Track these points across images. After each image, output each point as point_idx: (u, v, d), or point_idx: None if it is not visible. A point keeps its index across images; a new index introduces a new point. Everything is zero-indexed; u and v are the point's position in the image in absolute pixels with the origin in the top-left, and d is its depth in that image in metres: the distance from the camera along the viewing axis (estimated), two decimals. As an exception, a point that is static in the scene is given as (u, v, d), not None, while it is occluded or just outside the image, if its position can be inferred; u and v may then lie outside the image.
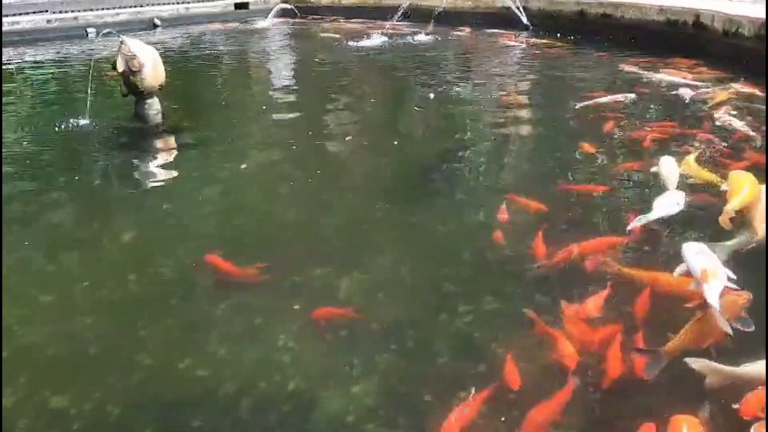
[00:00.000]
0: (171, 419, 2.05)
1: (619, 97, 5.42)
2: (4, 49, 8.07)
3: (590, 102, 5.30)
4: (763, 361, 2.03)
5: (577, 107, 5.22)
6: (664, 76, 6.21)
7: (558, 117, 5.32)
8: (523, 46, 8.69)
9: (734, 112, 4.86)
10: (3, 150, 4.43)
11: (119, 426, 1.98)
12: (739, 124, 4.57)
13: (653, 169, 3.61)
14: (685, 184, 3.46)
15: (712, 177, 3.55)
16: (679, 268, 2.55)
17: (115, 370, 2.24)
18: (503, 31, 9.33)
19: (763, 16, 6.48)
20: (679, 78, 6.02)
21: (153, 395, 2.14)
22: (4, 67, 7.53)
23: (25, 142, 4.82)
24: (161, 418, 2.04)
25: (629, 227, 3.04)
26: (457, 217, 3.48)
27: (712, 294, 2.21)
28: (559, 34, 8.69)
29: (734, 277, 2.31)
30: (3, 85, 6.47)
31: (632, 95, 5.45)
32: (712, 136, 4.38)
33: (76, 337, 2.42)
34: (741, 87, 5.59)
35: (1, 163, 4.13)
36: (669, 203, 3.16)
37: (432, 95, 6.05)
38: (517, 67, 7.74)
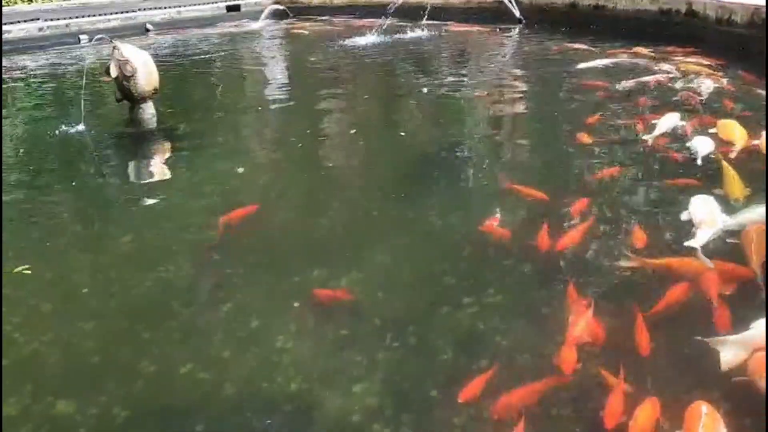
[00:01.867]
0: (175, 422, 2.05)
1: (661, 77, 5.60)
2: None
3: (632, 81, 5.51)
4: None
5: (618, 86, 5.41)
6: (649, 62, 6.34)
7: (554, 107, 5.33)
8: (517, 39, 8.69)
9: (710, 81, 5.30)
10: (-1, 159, 4.42)
11: (125, 430, 1.98)
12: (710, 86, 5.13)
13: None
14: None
15: None
16: (684, 216, 2.96)
17: (118, 375, 2.24)
18: (496, 25, 9.32)
19: (755, 2, 6.49)
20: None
21: (157, 399, 2.14)
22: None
23: (20, 150, 4.81)
24: (165, 422, 2.04)
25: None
26: (457, 210, 3.48)
27: (699, 238, 2.68)
28: (551, 27, 8.70)
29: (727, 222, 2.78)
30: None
31: (675, 73, 5.68)
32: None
33: (77, 343, 2.42)
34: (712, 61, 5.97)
35: (1, 166, 4.12)
36: (705, 142, 3.70)
37: (426, 89, 6.07)
38: (510, 60, 7.75)
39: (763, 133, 3.77)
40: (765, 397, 1.88)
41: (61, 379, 2.24)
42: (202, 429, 1.98)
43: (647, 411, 1.87)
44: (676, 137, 4.05)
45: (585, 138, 4.23)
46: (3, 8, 9.83)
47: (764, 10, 6.23)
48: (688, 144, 3.81)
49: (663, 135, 4.03)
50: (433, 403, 2.05)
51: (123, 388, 2.16)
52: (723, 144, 3.73)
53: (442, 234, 3.22)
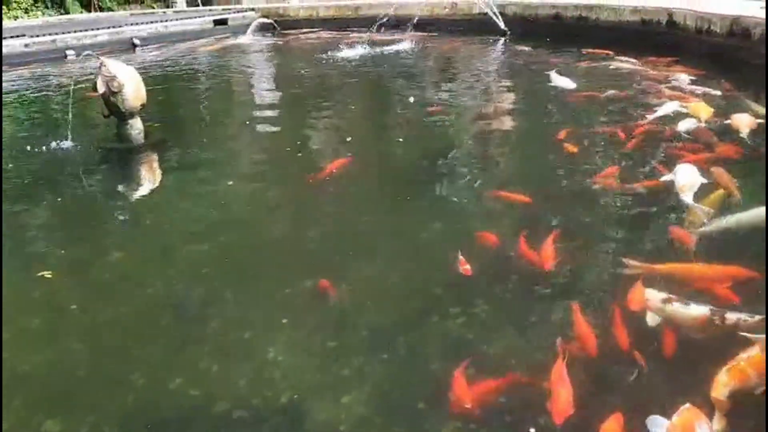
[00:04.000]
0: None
1: (641, 83, 6.02)
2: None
3: (614, 89, 5.78)
4: None
5: (602, 94, 5.67)
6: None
7: (539, 117, 5.40)
8: (502, 50, 8.79)
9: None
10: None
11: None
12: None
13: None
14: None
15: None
16: (665, 177, 3.58)
17: (108, 392, 2.24)
18: (481, 37, 9.43)
19: (733, 12, 6.62)
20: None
21: (147, 415, 2.14)
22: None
23: (8, 166, 4.80)
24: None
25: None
26: (444, 221, 3.52)
27: (686, 197, 3.30)
28: (535, 38, 8.82)
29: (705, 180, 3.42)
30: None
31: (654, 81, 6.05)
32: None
33: (67, 361, 2.42)
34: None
35: (1, 176, 4.09)
36: (690, 121, 4.58)
37: (412, 99, 6.15)
38: (496, 71, 7.83)
39: (734, 115, 4.60)
40: (765, 396, 1.93)
41: (51, 396, 2.24)
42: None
43: (612, 427, 1.89)
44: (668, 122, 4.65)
45: (570, 146, 4.30)
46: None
47: (742, 19, 6.36)
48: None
49: (659, 120, 4.78)
50: (422, 413, 2.07)
51: (113, 404, 2.17)
52: (695, 118, 4.65)
53: (425, 247, 3.25)
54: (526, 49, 8.46)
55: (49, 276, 2.99)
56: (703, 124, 4.52)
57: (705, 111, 4.73)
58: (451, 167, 4.39)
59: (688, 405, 1.90)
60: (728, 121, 4.54)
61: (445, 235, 3.32)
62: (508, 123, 5.49)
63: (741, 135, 4.26)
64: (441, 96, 6.41)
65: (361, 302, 2.74)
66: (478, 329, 2.49)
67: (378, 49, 9.03)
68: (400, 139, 5.23)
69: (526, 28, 9.24)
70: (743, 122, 4.41)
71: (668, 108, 4.95)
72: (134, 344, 2.51)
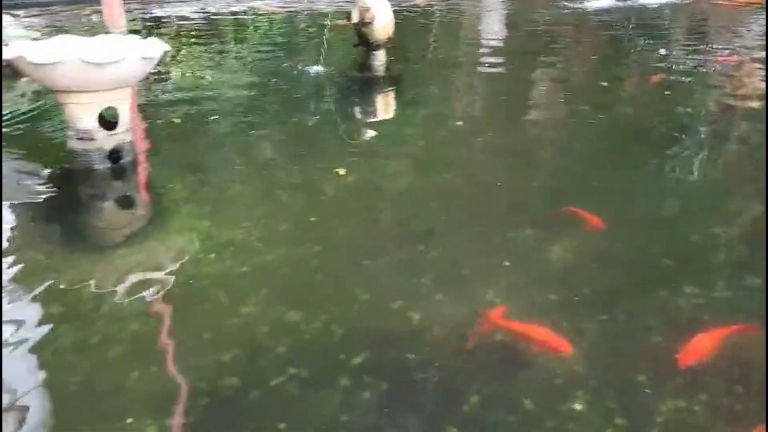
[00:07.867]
0: (383, 349, 2.16)
1: None
2: None
3: None
4: None
5: None
6: None
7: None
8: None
9: None
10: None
11: (340, 344, 2.14)
12: None
13: None
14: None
15: None
16: None
17: (338, 297, 2.41)
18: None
19: None
20: None
21: (369, 328, 2.25)
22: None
23: (270, 80, 5.39)
24: (375, 347, 2.16)
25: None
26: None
27: None
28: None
29: None
30: (242, 32, 7.24)
31: None
32: None
33: (305, 262, 2.64)
34: None
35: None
36: None
37: (664, 51, 5.78)
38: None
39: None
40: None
41: (291, 289, 2.47)
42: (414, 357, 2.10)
43: None
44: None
45: None
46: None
47: None
48: None
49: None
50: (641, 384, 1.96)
51: (341, 309, 2.34)
52: None
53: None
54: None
55: (343, 173, 3.37)
56: None
57: None
58: (692, 135, 4.01)
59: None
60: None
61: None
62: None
63: None
64: (690, 58, 5.82)
65: (588, 258, 2.64)
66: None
67: (629, 2, 8.34)
68: (640, 102, 4.86)
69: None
70: None
71: None
72: (362, 259, 2.66)
